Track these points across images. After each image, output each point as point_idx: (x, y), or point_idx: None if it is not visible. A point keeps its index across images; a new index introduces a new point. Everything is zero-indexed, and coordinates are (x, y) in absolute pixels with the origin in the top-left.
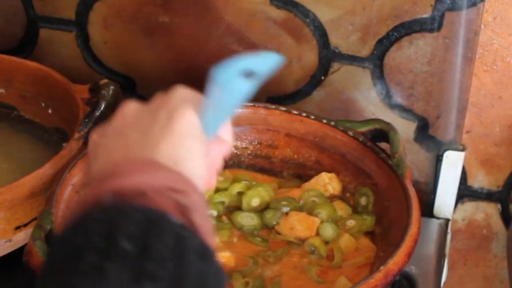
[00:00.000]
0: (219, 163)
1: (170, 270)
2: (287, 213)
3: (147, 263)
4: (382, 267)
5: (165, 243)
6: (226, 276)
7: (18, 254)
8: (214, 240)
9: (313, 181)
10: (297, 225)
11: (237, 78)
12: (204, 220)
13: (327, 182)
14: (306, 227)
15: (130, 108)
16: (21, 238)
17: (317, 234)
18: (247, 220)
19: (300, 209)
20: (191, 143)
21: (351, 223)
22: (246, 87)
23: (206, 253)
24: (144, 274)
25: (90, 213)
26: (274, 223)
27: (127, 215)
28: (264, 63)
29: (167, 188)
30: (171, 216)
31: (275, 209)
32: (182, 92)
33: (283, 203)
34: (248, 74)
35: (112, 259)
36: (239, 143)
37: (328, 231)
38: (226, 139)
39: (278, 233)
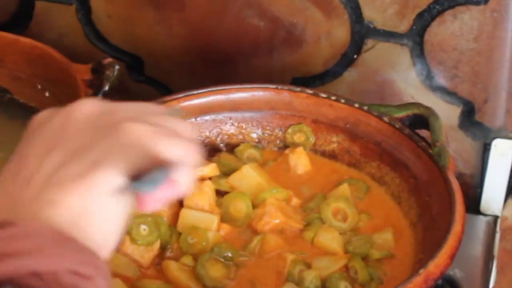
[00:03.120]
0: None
1: None
2: None
3: None
4: (421, 270)
5: None
6: None
7: None
8: None
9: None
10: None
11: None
12: None
13: None
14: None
15: (86, 111)
16: None
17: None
18: None
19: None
20: (107, 205)
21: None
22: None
23: None
24: None
25: None
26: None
27: None
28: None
29: (71, 272)
30: None
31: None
32: (129, 131)
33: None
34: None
35: None
36: (259, 130)
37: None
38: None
39: None
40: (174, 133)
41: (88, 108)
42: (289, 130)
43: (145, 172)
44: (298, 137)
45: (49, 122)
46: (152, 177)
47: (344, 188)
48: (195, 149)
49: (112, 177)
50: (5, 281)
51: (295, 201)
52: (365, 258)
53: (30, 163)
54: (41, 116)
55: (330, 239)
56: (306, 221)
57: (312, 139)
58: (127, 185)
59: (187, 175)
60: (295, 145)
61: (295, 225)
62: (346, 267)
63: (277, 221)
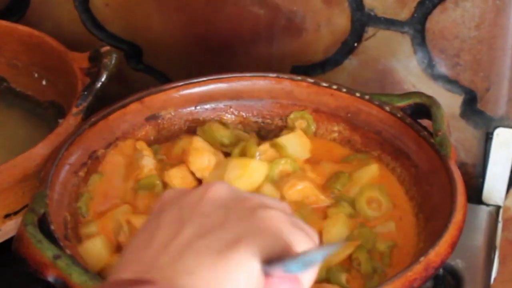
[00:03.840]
0: None
1: None
2: None
3: None
4: (422, 259)
5: None
6: None
7: (7, 246)
8: None
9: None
10: None
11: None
12: None
13: None
14: None
15: (219, 193)
16: (11, 227)
17: None
18: None
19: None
20: (239, 284)
21: None
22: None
23: None
24: None
25: None
26: None
27: None
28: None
29: None
30: None
31: None
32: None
33: None
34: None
35: None
36: (259, 120)
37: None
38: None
39: None
40: (306, 230)
41: (221, 190)
42: (291, 116)
43: (275, 259)
44: (300, 124)
45: (182, 197)
46: (306, 258)
47: (373, 171)
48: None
49: (249, 258)
50: None
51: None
52: (370, 250)
53: (165, 231)
54: (173, 192)
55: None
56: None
57: (313, 128)
58: (262, 268)
59: (311, 274)
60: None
61: (323, 198)
62: (350, 258)
63: (301, 186)
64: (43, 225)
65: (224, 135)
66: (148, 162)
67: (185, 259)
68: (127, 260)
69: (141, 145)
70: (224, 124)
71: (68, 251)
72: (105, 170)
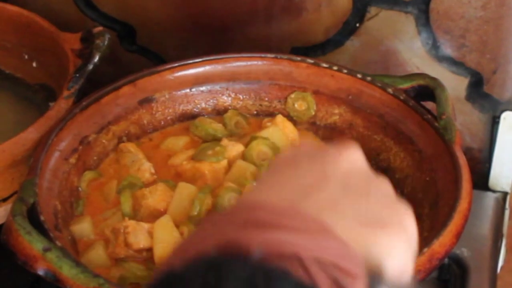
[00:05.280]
0: None
1: None
2: None
3: None
4: (426, 249)
5: None
6: None
7: None
8: None
9: None
10: None
11: None
12: None
13: None
14: None
15: (358, 162)
16: (0, 214)
17: None
18: None
19: None
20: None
21: None
22: None
23: None
24: None
25: (229, 262)
26: None
27: (275, 283)
28: None
29: (332, 263)
30: None
31: None
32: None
33: None
34: None
35: None
36: (257, 102)
37: None
38: None
39: None
40: None
41: (357, 160)
42: (292, 95)
43: None
44: (300, 105)
45: (318, 153)
46: None
47: None
48: None
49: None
50: (267, 260)
51: None
52: None
53: (306, 174)
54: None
55: None
56: None
57: (312, 111)
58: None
59: None
60: (295, 111)
61: None
62: None
63: None
64: (33, 215)
65: (216, 128)
66: (148, 166)
67: (325, 214)
68: (262, 192)
69: (133, 147)
70: (215, 117)
71: (58, 243)
72: (104, 171)
